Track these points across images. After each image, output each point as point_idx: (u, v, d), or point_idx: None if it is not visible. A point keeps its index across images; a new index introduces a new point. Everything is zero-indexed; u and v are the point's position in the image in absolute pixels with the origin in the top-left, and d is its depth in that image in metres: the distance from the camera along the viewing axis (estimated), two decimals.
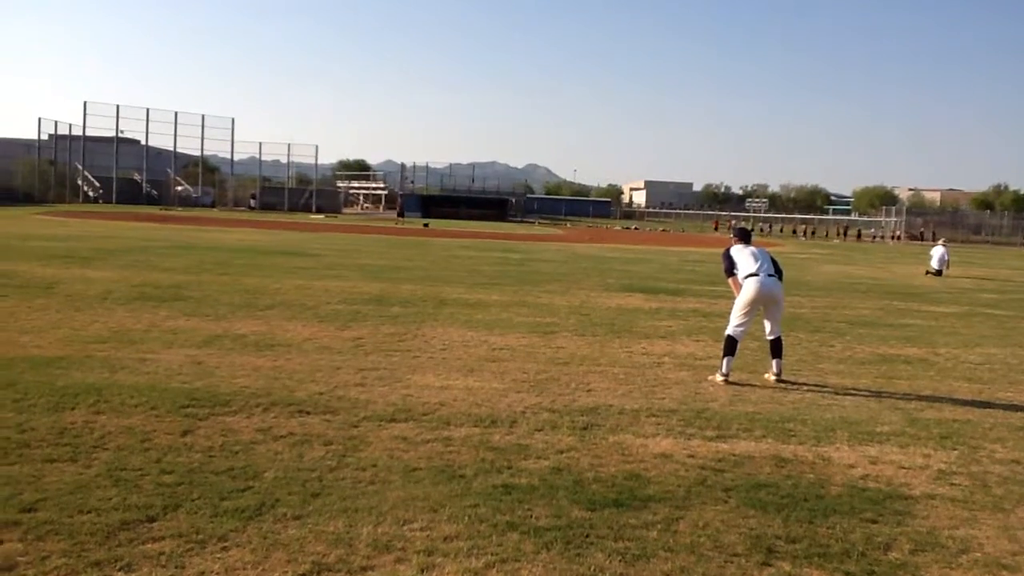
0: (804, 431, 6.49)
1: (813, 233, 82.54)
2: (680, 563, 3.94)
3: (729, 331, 8.33)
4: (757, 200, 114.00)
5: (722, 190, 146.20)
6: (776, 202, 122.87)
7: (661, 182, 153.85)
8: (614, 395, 7.42)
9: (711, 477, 5.29)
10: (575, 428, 6.24)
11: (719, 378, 8.23)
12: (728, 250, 8.82)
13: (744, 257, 8.54)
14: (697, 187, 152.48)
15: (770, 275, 8.35)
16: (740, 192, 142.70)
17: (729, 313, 8.46)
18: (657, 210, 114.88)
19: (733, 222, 65.63)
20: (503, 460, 5.38)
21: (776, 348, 8.46)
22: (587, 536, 4.19)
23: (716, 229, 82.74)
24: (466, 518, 4.35)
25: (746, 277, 8.35)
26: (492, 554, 3.92)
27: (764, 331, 8.56)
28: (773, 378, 8.38)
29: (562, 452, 5.63)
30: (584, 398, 7.25)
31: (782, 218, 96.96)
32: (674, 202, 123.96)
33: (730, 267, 8.62)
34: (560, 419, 6.48)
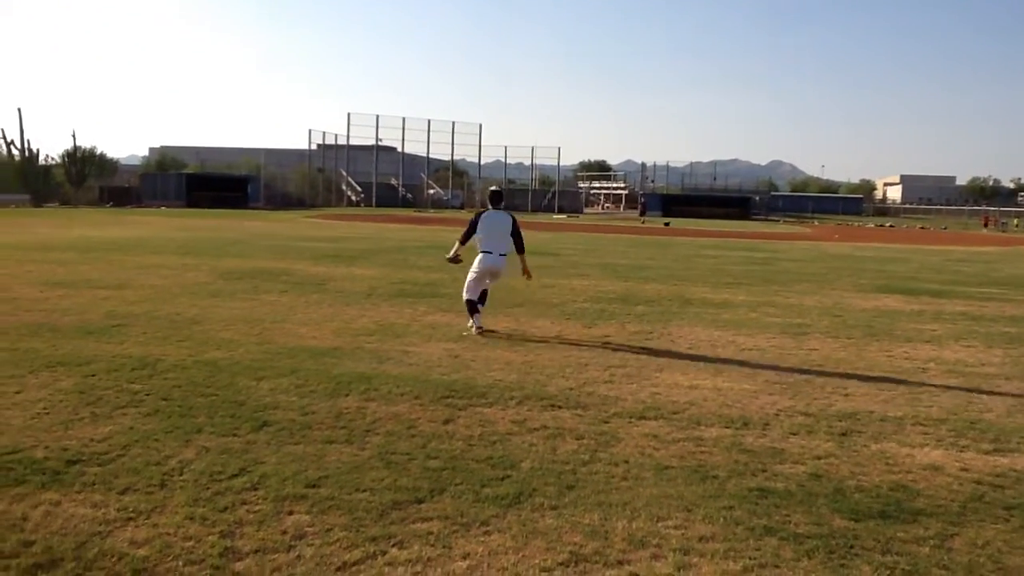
0: None
1: None
2: None
3: (466, 296, 9.86)
4: None
5: (989, 183, 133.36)
6: None
7: (919, 176, 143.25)
8: (874, 401, 7.02)
9: (989, 493, 4.88)
10: (833, 434, 5.97)
11: (473, 330, 9.51)
12: (477, 216, 9.99)
13: (487, 229, 9.81)
14: (961, 180, 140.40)
15: (502, 254, 9.79)
16: (1011, 185, 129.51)
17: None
18: (915, 206, 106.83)
19: (1000, 218, 59.47)
20: (757, 463, 5.26)
21: (482, 298, 10.00)
22: (851, 547, 4.00)
23: (986, 226, 75.70)
24: (721, 519, 4.29)
25: (481, 252, 9.77)
26: (750, 558, 3.85)
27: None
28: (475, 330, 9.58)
29: (820, 458, 5.40)
30: (841, 403, 6.91)
31: None
32: (934, 197, 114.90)
33: (468, 234, 9.88)
34: (816, 424, 6.22)
